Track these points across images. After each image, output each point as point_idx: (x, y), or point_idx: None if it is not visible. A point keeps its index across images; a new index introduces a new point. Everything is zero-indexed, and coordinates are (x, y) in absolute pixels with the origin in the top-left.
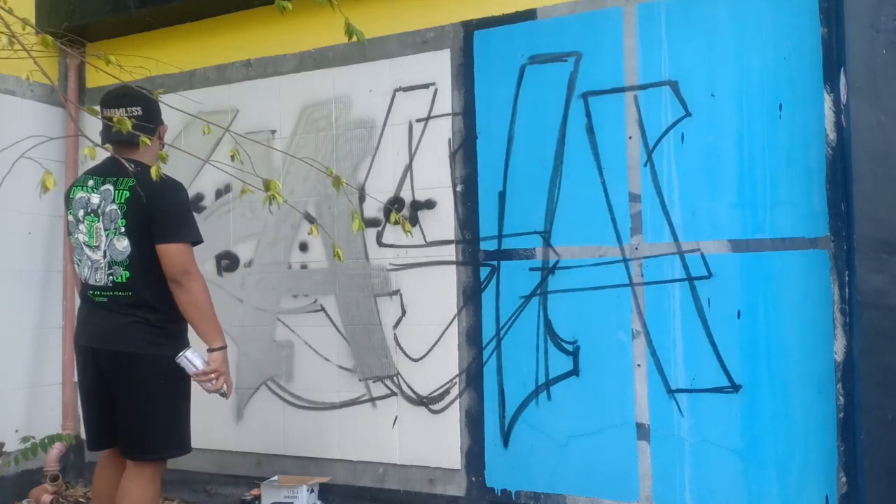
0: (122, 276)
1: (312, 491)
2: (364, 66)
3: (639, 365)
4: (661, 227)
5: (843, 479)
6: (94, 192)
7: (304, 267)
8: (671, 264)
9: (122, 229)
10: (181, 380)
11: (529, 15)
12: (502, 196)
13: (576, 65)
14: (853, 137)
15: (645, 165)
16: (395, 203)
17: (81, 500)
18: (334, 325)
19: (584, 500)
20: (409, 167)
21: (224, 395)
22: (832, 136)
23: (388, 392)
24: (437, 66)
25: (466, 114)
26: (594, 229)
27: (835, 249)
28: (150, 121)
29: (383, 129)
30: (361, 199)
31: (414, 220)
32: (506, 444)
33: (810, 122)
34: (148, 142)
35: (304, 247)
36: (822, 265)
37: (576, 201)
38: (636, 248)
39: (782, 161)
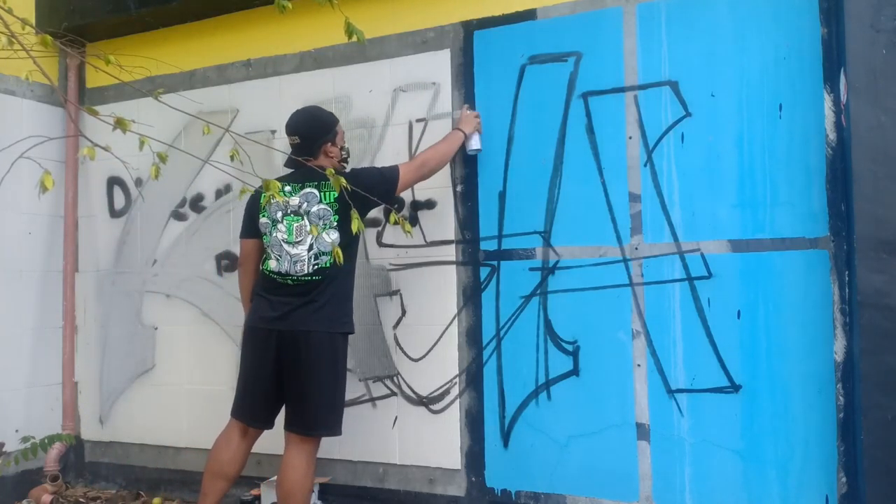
0: (326, 262)
1: (312, 491)
2: (364, 66)
3: (639, 365)
4: (661, 227)
5: (843, 479)
6: (292, 194)
7: None
8: (671, 264)
9: (335, 224)
10: (345, 362)
11: (529, 15)
12: (502, 196)
13: (576, 65)
14: (853, 137)
15: (645, 165)
16: (395, 204)
17: (81, 500)
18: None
19: (584, 500)
20: None
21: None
22: (832, 136)
23: (388, 392)
24: (437, 66)
25: None
26: (594, 229)
27: (835, 249)
28: (309, 143)
29: (383, 129)
30: None
31: (414, 220)
32: (506, 444)
33: (810, 123)
34: (331, 174)
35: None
36: (822, 265)
37: (576, 201)
38: (636, 248)
39: (782, 161)
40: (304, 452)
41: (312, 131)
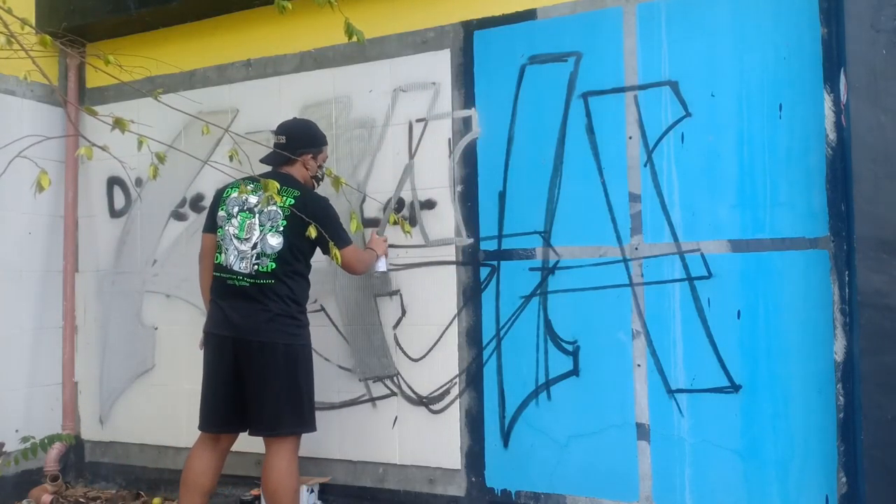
0: (267, 266)
1: (312, 491)
2: (364, 66)
3: (639, 365)
4: (661, 227)
5: (843, 479)
6: (252, 196)
7: None
8: (671, 264)
9: (281, 228)
10: (308, 365)
11: (529, 15)
12: (502, 196)
13: (576, 65)
14: (853, 137)
15: (645, 165)
16: (395, 204)
17: (81, 500)
18: (334, 325)
19: (584, 500)
20: (409, 167)
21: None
22: (832, 136)
23: (388, 392)
24: (438, 66)
25: (466, 114)
26: (594, 229)
27: (835, 249)
28: (290, 147)
29: (383, 129)
30: (361, 199)
31: (414, 220)
32: (506, 444)
33: (810, 123)
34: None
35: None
36: (822, 265)
37: (576, 201)
38: (636, 248)
39: (782, 161)
40: (283, 451)
41: (301, 137)
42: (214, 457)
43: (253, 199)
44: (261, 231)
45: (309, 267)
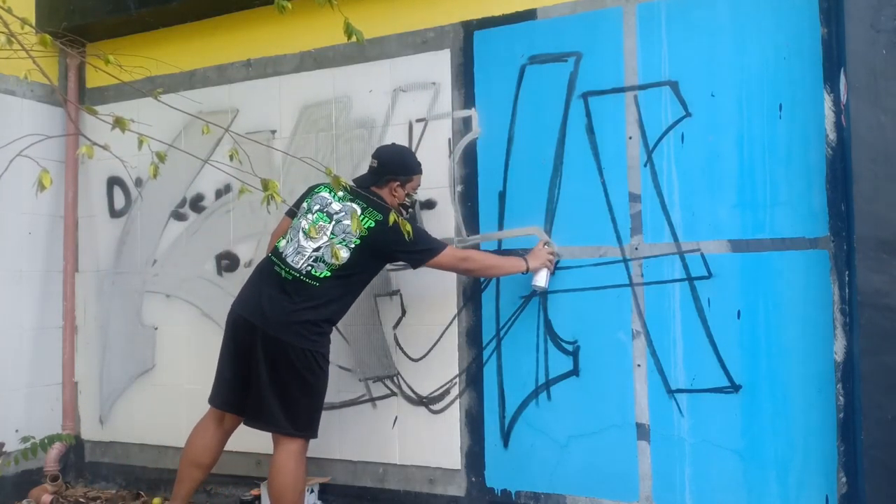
0: (321, 272)
1: (312, 491)
2: (364, 66)
3: (639, 365)
4: (661, 227)
5: (843, 479)
6: (339, 201)
7: None
8: (671, 264)
9: (352, 246)
10: (318, 373)
11: (529, 15)
12: (502, 196)
13: (576, 65)
14: (853, 137)
15: (645, 165)
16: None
17: (81, 500)
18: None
19: (584, 500)
20: None
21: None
22: (832, 136)
23: (388, 392)
24: (438, 66)
25: (466, 114)
26: (594, 229)
27: (835, 249)
28: (382, 171)
29: (383, 129)
30: None
31: (414, 221)
32: (506, 444)
33: (810, 122)
34: None
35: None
36: (822, 265)
37: (576, 201)
38: (636, 248)
39: (782, 161)
40: (291, 452)
41: (392, 163)
42: (217, 435)
43: (336, 206)
44: (330, 238)
45: (362, 289)
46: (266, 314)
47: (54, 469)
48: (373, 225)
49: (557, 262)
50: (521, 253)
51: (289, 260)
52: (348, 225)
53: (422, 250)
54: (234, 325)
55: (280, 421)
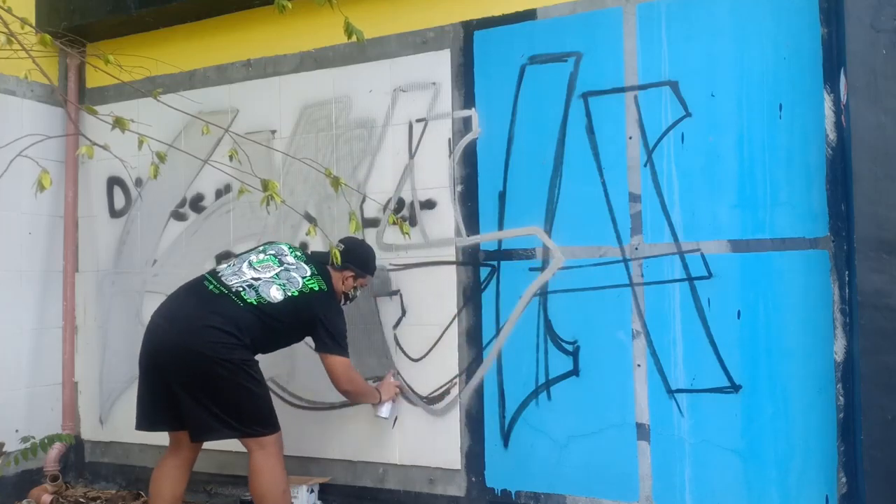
0: (250, 298)
1: (312, 491)
2: (364, 66)
3: (639, 365)
4: (661, 227)
5: (843, 479)
6: (295, 258)
7: None
8: (671, 264)
9: (289, 294)
10: (250, 378)
11: (529, 15)
12: (502, 196)
13: (576, 65)
14: (853, 137)
15: (645, 165)
16: (395, 204)
17: (81, 500)
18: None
19: (584, 500)
20: (409, 167)
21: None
22: (832, 136)
23: None
24: (438, 66)
25: (466, 114)
26: (594, 229)
27: (835, 249)
28: (345, 258)
29: (383, 129)
30: (361, 199)
31: (414, 221)
32: (506, 444)
33: (810, 122)
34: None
35: (303, 247)
36: (822, 265)
37: (576, 201)
38: (636, 248)
39: (782, 161)
40: (265, 455)
41: (357, 255)
42: (173, 463)
43: (290, 259)
44: (273, 278)
45: (273, 345)
46: (185, 327)
47: (54, 469)
48: (316, 289)
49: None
50: (522, 253)
51: (222, 278)
52: (294, 277)
53: (335, 340)
54: (151, 335)
55: (231, 426)
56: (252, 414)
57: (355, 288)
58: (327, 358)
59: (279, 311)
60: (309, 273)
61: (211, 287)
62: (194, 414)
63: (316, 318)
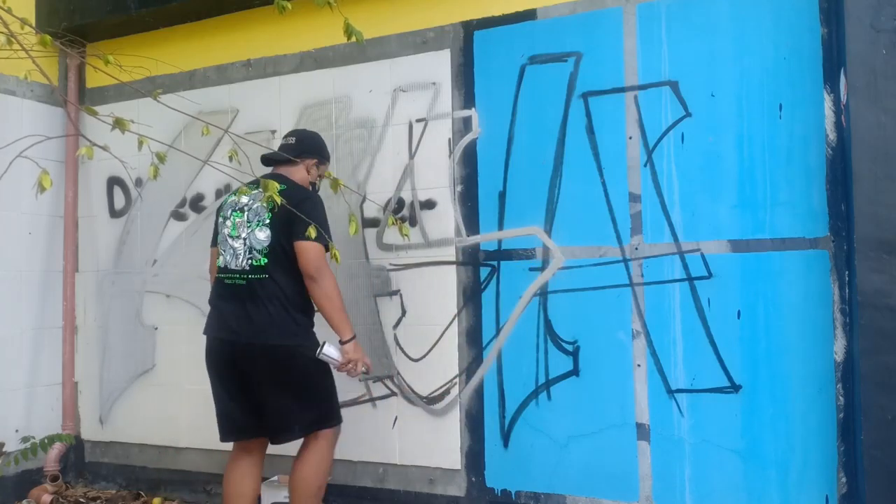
0: (259, 260)
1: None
2: (364, 66)
3: (639, 365)
4: (661, 228)
5: (843, 479)
6: (245, 196)
7: None
8: (671, 264)
9: (266, 221)
10: (310, 365)
11: (529, 15)
12: (502, 196)
13: (576, 65)
14: (853, 137)
15: (645, 165)
16: (395, 204)
17: (81, 500)
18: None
19: (584, 500)
20: (409, 167)
21: (367, 375)
22: (832, 136)
23: (388, 392)
24: (438, 66)
25: (466, 114)
26: (594, 229)
27: (835, 249)
28: (300, 149)
29: (383, 129)
30: (361, 199)
31: (414, 221)
32: (506, 444)
33: (810, 123)
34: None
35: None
36: (822, 265)
37: (576, 201)
38: (636, 248)
39: (782, 161)
40: (316, 446)
41: (310, 143)
42: (248, 463)
43: (244, 199)
44: (248, 227)
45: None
46: (237, 329)
47: (54, 469)
48: (281, 188)
49: (365, 372)
50: (522, 253)
51: (232, 266)
52: (259, 206)
53: (306, 226)
54: (213, 352)
55: (295, 425)
56: (325, 403)
57: (320, 177)
58: (298, 244)
59: (278, 241)
60: (262, 191)
61: (235, 281)
62: (278, 414)
63: (288, 215)
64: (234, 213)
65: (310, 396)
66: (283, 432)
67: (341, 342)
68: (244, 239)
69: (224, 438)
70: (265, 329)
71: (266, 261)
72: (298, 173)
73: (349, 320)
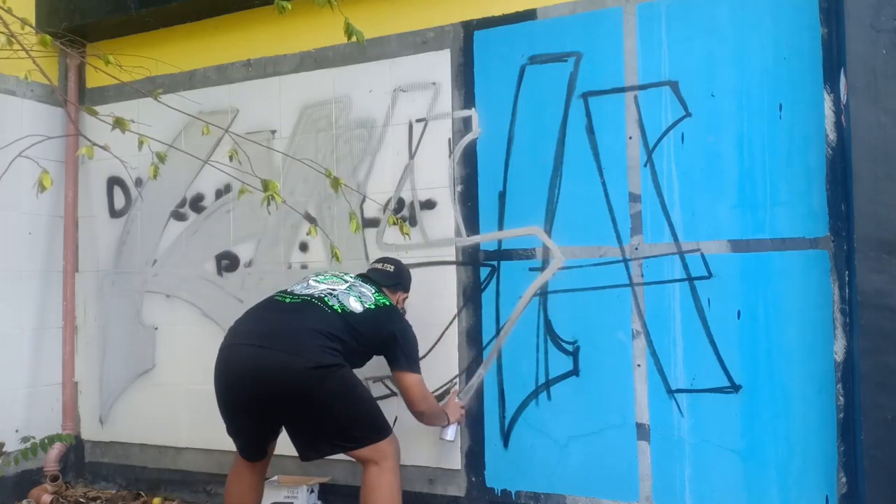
0: (337, 306)
1: (312, 491)
2: (364, 66)
3: (639, 365)
4: (661, 228)
5: (843, 479)
6: (351, 277)
7: (304, 267)
8: (671, 264)
9: (367, 307)
10: (354, 380)
11: (529, 15)
12: (502, 196)
13: (576, 65)
14: (853, 137)
15: (645, 165)
16: (395, 204)
17: (81, 500)
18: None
19: (584, 500)
20: (409, 167)
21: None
22: (832, 136)
23: (388, 392)
24: (438, 66)
25: (466, 114)
26: (594, 229)
27: (835, 249)
28: (397, 280)
29: (383, 129)
30: (361, 199)
31: (414, 221)
32: (506, 444)
33: (810, 122)
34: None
35: (304, 247)
36: (822, 265)
37: (576, 201)
38: (636, 249)
39: (782, 161)
40: (378, 471)
41: (405, 276)
42: (253, 476)
43: (349, 279)
44: (346, 290)
45: (353, 365)
46: (278, 337)
47: (54, 469)
48: (388, 304)
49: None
50: (522, 253)
51: (297, 290)
52: (365, 292)
53: (410, 356)
54: (237, 360)
55: (346, 439)
56: (365, 420)
57: (403, 309)
58: (405, 377)
59: (361, 322)
60: (374, 289)
61: (289, 300)
62: (304, 432)
63: (393, 334)
64: (333, 277)
65: (354, 414)
66: (313, 450)
67: (445, 426)
68: (333, 290)
69: (249, 457)
70: (314, 347)
71: (339, 311)
72: (393, 300)
73: (441, 409)
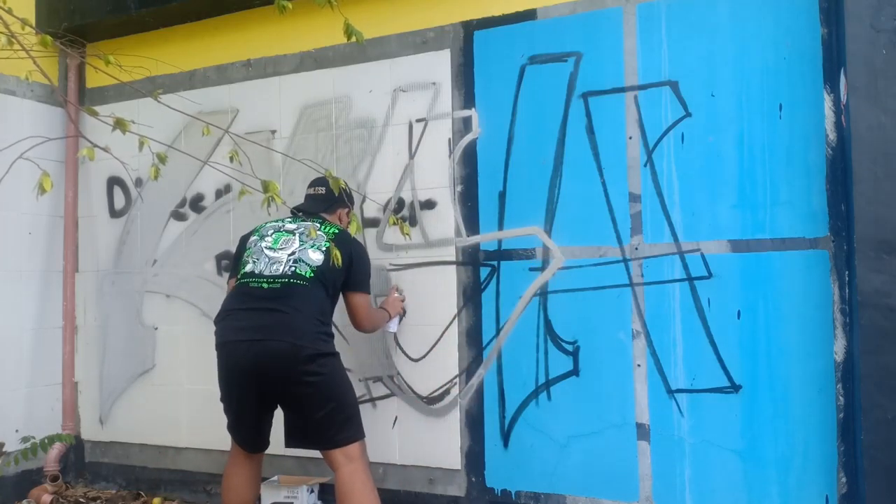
0: (305, 272)
1: (312, 491)
2: (364, 66)
3: (639, 365)
4: (661, 228)
5: (843, 479)
6: (291, 223)
7: None
8: (671, 264)
9: (323, 248)
10: (342, 373)
11: (529, 15)
12: (502, 196)
13: (576, 65)
14: (853, 137)
15: (645, 165)
16: (395, 204)
17: (81, 500)
18: (334, 325)
19: (584, 500)
20: (409, 167)
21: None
22: (832, 136)
23: (388, 392)
24: (438, 66)
25: (466, 114)
26: (594, 229)
27: (835, 249)
28: (330, 199)
29: (383, 129)
30: (361, 199)
31: (414, 221)
32: (506, 444)
33: (810, 122)
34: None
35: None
36: (822, 265)
37: (576, 201)
38: (636, 249)
39: (782, 161)
40: (351, 471)
41: (338, 193)
42: (250, 468)
43: (291, 225)
44: (301, 245)
45: (335, 301)
46: (269, 328)
47: (54, 469)
48: (337, 231)
49: (404, 311)
50: (522, 253)
51: (266, 272)
52: (313, 236)
53: (362, 277)
54: (232, 357)
55: (329, 432)
56: (348, 417)
57: (346, 224)
58: (355, 297)
59: (328, 269)
60: (319, 223)
61: (266, 285)
62: (298, 423)
63: (351, 257)
64: (279, 233)
65: (335, 407)
66: (308, 439)
67: (390, 319)
68: (292, 252)
69: (247, 448)
70: (301, 335)
71: (311, 275)
72: (334, 221)
73: (382, 313)
